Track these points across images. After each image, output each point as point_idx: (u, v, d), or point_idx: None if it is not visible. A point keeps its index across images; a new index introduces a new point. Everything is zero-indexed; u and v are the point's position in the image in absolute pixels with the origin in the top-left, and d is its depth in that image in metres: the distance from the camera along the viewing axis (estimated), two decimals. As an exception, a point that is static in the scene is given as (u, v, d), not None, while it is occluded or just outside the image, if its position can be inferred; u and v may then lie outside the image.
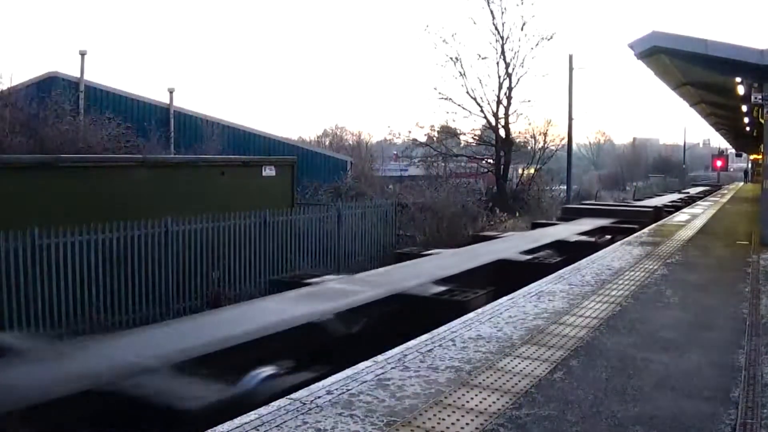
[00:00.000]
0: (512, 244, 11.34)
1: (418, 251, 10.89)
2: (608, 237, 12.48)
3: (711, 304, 6.58)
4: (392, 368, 4.31)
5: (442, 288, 7.32)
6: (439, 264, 9.11)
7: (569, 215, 16.98)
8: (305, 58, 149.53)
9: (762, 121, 11.78)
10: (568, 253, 10.07)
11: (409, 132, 28.59)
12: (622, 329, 5.47)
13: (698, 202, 24.03)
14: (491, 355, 4.68)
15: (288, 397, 3.75)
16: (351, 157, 26.99)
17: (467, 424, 3.48)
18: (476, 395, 3.89)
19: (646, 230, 13.59)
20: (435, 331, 5.22)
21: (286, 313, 6.13)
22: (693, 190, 35.62)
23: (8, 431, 3.96)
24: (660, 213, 17.68)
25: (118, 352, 5.20)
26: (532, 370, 4.35)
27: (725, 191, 34.98)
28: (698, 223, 15.28)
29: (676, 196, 28.01)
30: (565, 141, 29.69)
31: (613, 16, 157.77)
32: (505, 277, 8.49)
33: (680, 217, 17.15)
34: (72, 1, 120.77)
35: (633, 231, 13.11)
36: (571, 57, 28.51)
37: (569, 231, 13.23)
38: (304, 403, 3.67)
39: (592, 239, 11.98)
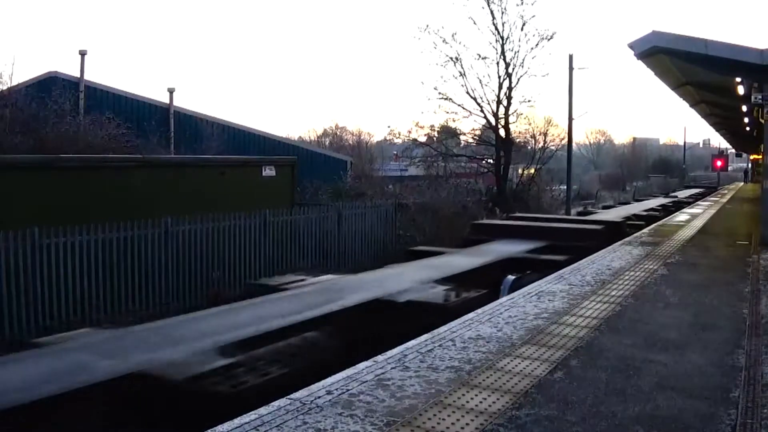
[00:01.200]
0: (282, 308, 6.68)
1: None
2: (512, 278, 8.64)
3: (711, 304, 6.58)
4: (392, 368, 4.31)
5: None
6: None
7: (482, 235, 12.42)
8: (305, 58, 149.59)
9: (762, 121, 11.78)
10: (356, 334, 6.10)
11: (409, 132, 28.44)
12: (622, 329, 5.47)
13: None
14: (491, 355, 4.68)
15: (288, 397, 3.75)
16: (351, 157, 26.97)
17: (467, 424, 3.48)
18: (476, 395, 3.88)
19: (645, 230, 13.54)
20: (435, 331, 5.22)
21: None
22: (683, 193, 31.60)
23: None
24: (619, 230, 13.21)
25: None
26: (532, 371, 4.35)
27: (724, 191, 34.57)
28: (698, 223, 15.30)
29: (656, 202, 23.89)
30: (565, 141, 29.70)
31: (613, 16, 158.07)
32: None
33: (680, 217, 17.13)
34: (72, 1, 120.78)
35: (559, 265, 8.83)
36: (571, 57, 28.45)
37: (446, 268, 8.95)
38: (304, 403, 3.66)
39: (442, 300, 7.14)
